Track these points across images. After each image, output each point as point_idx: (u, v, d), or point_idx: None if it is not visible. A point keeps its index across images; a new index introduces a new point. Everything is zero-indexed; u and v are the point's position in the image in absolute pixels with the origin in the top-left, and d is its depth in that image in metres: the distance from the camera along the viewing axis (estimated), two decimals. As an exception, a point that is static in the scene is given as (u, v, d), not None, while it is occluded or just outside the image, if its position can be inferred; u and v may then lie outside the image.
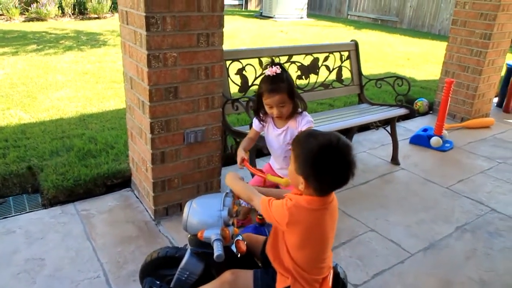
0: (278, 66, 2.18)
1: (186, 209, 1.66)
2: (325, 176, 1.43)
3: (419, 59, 8.55)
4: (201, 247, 1.63)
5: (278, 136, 2.34)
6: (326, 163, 1.42)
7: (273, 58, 2.38)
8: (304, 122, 2.24)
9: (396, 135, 3.87)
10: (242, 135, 2.96)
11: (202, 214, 1.62)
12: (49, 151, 3.45)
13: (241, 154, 2.28)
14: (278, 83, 2.15)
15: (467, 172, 3.79)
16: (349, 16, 15.83)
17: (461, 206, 3.22)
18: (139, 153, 2.84)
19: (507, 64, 5.63)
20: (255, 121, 2.42)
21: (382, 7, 14.69)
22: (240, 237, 1.68)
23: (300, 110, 2.30)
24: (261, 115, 2.36)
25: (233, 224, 1.67)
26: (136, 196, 3.07)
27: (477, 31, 4.73)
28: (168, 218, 2.82)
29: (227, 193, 1.70)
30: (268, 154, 2.68)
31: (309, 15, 15.21)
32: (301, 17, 14.46)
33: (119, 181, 3.19)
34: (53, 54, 7.19)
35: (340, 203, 2.97)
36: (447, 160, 4.05)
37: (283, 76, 2.18)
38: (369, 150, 4.14)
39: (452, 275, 2.46)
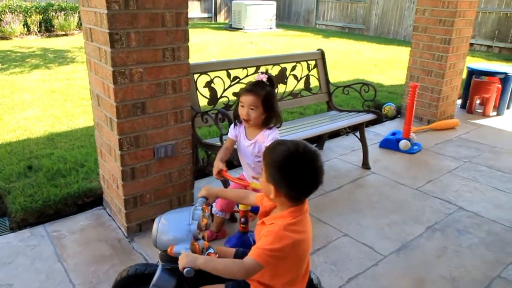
0: (266, 76, 2.32)
1: (155, 225, 1.64)
2: (293, 182, 1.45)
3: (386, 65, 8.78)
4: (172, 263, 1.62)
5: (248, 147, 2.40)
6: (294, 169, 1.44)
7: (267, 69, 2.54)
8: (270, 138, 2.32)
9: (365, 140, 3.95)
10: (213, 147, 2.97)
11: (171, 229, 1.61)
12: (16, 173, 3.36)
13: (218, 165, 2.33)
14: (258, 87, 2.29)
15: (435, 173, 3.90)
16: (317, 25, 16.14)
17: (430, 206, 3.31)
18: (109, 170, 2.81)
19: (467, 67, 5.86)
20: (231, 129, 2.49)
21: (348, 15, 15.05)
22: (211, 250, 1.68)
23: (272, 125, 2.37)
24: (237, 122, 2.46)
25: (203, 237, 1.67)
26: (108, 214, 3.03)
27: (437, 36, 4.91)
28: (141, 234, 2.79)
29: (196, 206, 1.70)
30: (239, 165, 2.71)
31: (278, 26, 15.44)
32: (270, 28, 14.65)
33: (91, 199, 3.14)
34: (19, 73, 7.03)
35: (313, 209, 3.01)
36: (416, 162, 4.16)
37: (266, 85, 2.32)
38: (340, 156, 4.21)
39: (424, 274, 2.53)
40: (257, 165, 2.40)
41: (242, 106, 2.32)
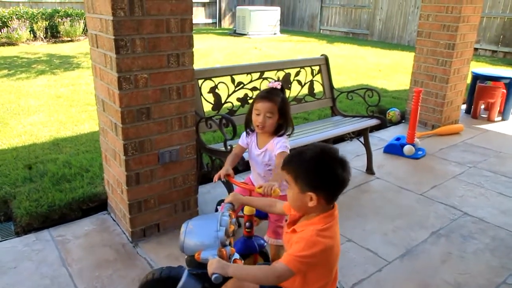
0: (280, 83, 2.33)
1: (182, 230, 1.64)
2: (330, 180, 1.48)
3: (390, 70, 8.78)
4: (199, 268, 1.62)
5: (258, 156, 2.41)
6: (328, 168, 1.48)
7: (279, 77, 2.54)
8: (279, 146, 2.30)
9: (369, 145, 3.95)
10: (217, 152, 2.98)
11: (198, 235, 1.62)
12: (22, 178, 3.39)
13: (228, 169, 2.33)
14: (274, 94, 2.29)
15: (440, 178, 3.89)
16: (321, 30, 16.17)
17: (435, 211, 3.30)
18: (114, 175, 2.82)
19: (472, 72, 5.85)
20: (243, 136, 2.49)
21: (352, 21, 15.08)
22: (237, 256, 1.69)
23: (282, 132, 2.36)
24: (249, 131, 2.46)
25: (230, 243, 1.67)
26: (112, 219, 3.04)
27: (441, 41, 4.92)
28: (145, 239, 2.80)
29: (223, 213, 1.69)
30: (243, 170, 2.71)
31: (282, 31, 15.48)
32: (275, 33, 14.69)
33: (95, 204, 3.16)
34: (25, 78, 7.09)
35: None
36: (420, 167, 4.15)
37: (281, 93, 2.33)
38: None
39: (429, 279, 2.52)
40: (267, 174, 2.40)
41: (258, 114, 2.30)
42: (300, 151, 1.56)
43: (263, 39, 13.29)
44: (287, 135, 2.39)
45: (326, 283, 1.57)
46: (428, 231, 3.02)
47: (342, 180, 1.50)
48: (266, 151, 2.37)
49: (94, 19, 2.52)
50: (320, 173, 1.48)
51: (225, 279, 1.47)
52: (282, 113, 2.30)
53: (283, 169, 1.56)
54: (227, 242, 1.63)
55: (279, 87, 2.32)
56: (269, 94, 2.30)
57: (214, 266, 1.46)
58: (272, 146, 2.33)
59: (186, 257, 1.69)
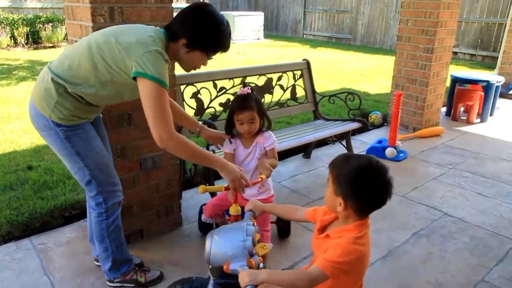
0: (248, 87, 2.39)
1: (208, 242, 1.61)
2: (365, 195, 1.47)
3: (372, 74, 8.91)
4: (225, 278, 1.60)
5: (249, 154, 2.47)
6: (366, 183, 1.46)
7: (244, 80, 2.57)
8: (271, 141, 2.44)
9: (351, 148, 4.00)
10: (200, 157, 2.98)
11: (225, 245, 1.59)
12: (1, 186, 3.34)
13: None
14: (249, 101, 2.35)
15: (421, 180, 3.96)
16: (304, 35, 16.32)
17: (416, 212, 3.36)
18: (96, 182, 2.80)
19: (451, 75, 5.98)
20: (227, 144, 2.51)
21: (335, 25, 15.26)
22: (262, 265, 1.68)
23: (264, 128, 2.47)
24: (233, 132, 2.50)
25: (256, 253, 1.64)
26: (95, 226, 3.01)
27: (420, 46, 5.02)
28: (129, 246, 2.75)
29: (247, 222, 1.67)
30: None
31: (266, 36, 15.57)
32: (258, 38, 14.77)
33: (77, 211, 3.13)
34: (6, 85, 6.99)
35: (300, 218, 2.95)
36: (402, 169, 4.22)
37: (253, 95, 2.39)
38: (327, 164, 4.24)
39: (410, 280, 2.56)
40: (256, 170, 2.45)
41: (242, 123, 2.36)
42: (350, 156, 1.56)
43: (247, 44, 13.35)
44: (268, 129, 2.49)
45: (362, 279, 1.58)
46: (410, 232, 3.07)
47: (378, 200, 1.48)
48: (256, 146, 2.44)
49: (74, 26, 2.51)
50: (357, 185, 1.46)
51: None
52: (260, 114, 2.40)
53: (329, 165, 1.56)
54: (254, 252, 1.60)
55: (249, 91, 2.38)
56: (245, 103, 2.34)
57: (246, 279, 1.42)
58: (263, 139, 2.43)
59: (210, 267, 1.67)
